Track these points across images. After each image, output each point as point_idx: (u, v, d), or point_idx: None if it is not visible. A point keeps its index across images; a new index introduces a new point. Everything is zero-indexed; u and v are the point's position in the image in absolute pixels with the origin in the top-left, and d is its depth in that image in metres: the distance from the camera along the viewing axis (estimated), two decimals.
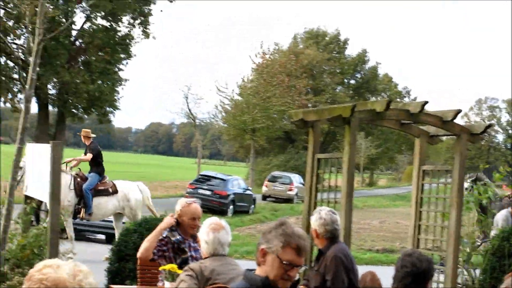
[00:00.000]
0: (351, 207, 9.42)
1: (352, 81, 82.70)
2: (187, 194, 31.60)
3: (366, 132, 73.14)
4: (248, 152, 63.52)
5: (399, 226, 33.61)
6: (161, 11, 42.99)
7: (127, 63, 42.87)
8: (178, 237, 7.81)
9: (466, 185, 19.44)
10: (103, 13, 39.42)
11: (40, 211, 18.80)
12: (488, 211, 13.35)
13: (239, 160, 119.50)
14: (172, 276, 6.94)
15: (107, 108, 41.98)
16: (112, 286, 8.56)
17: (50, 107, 42.72)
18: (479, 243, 13.06)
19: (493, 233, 13.21)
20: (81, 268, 2.93)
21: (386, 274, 9.73)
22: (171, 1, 41.39)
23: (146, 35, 41.80)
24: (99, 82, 39.59)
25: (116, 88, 42.21)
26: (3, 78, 38.42)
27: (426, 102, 9.75)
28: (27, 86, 8.96)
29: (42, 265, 2.92)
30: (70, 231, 17.10)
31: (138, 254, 7.76)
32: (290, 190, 48.25)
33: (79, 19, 41.31)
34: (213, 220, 6.74)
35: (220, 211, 32.57)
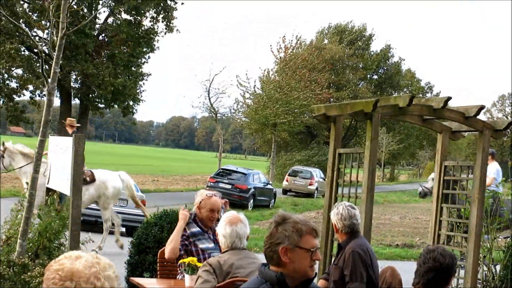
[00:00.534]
0: (372, 202, 9.40)
1: (375, 77, 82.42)
2: (207, 188, 31.66)
3: (388, 127, 72.96)
4: (269, 146, 63.46)
5: (419, 222, 33.53)
6: (182, 3, 42.76)
7: (149, 57, 43.04)
8: (194, 229, 7.81)
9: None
10: (126, 8, 39.56)
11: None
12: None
13: (260, 154, 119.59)
14: (192, 269, 6.95)
15: (130, 102, 42.16)
16: (132, 278, 8.58)
17: (72, 101, 43.01)
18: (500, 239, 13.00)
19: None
20: (100, 260, 2.92)
21: (405, 269, 9.74)
22: None
23: (170, 29, 41.90)
24: (123, 75, 39.76)
25: (139, 82, 42.40)
26: (26, 72, 38.70)
27: (449, 98, 9.70)
28: (49, 80, 8.99)
29: (62, 256, 2.92)
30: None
31: (166, 256, 7.71)
32: (311, 184, 48.22)
33: (102, 13, 41.58)
34: (230, 213, 6.72)
35: (240, 205, 32.60)
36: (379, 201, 45.23)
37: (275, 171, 59.73)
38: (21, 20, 33.79)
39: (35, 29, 37.38)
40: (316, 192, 47.82)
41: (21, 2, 37.22)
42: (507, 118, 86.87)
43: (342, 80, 73.88)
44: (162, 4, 40.79)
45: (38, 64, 38.08)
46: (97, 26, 40.77)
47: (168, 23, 41.75)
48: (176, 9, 41.83)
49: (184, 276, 7.23)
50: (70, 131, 18.32)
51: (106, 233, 17.38)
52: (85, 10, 38.11)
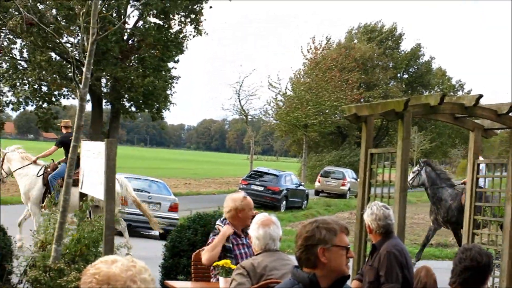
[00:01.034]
0: (405, 202, 9.36)
1: (405, 76, 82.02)
2: (240, 190, 31.71)
3: (419, 126, 72.53)
4: (300, 147, 63.39)
5: None
6: (211, 7, 43.05)
7: (178, 60, 43.17)
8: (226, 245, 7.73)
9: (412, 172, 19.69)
10: (155, 12, 39.72)
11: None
12: None
13: (291, 155, 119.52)
14: (226, 272, 6.95)
15: (160, 105, 42.30)
16: (166, 281, 8.62)
17: (103, 105, 43.27)
18: None
19: None
20: (136, 264, 2.94)
21: (440, 269, 9.69)
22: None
23: (198, 32, 42.01)
24: (152, 78, 39.94)
25: (169, 85, 42.55)
26: (58, 77, 39.02)
27: (481, 96, 9.64)
28: (81, 85, 9.06)
29: (99, 260, 2.95)
30: (35, 221, 16.57)
31: (204, 262, 7.65)
32: (343, 185, 48.13)
33: (131, 17, 41.79)
34: (262, 216, 6.71)
35: (272, 207, 32.61)
36: (412, 201, 44.98)
37: (306, 172, 59.66)
38: (51, 27, 34.08)
39: (64, 35, 37.68)
40: (348, 192, 47.72)
41: (52, 11, 37.55)
42: None
43: (372, 79, 73.61)
44: (190, 7, 40.92)
45: (69, 71, 38.40)
46: (127, 30, 41.01)
47: (197, 26, 41.87)
48: (203, 14, 41.96)
49: (218, 278, 7.22)
50: (64, 131, 18.25)
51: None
52: (114, 15, 38.36)
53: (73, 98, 41.97)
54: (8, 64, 39.43)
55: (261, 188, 34.31)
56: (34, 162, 17.66)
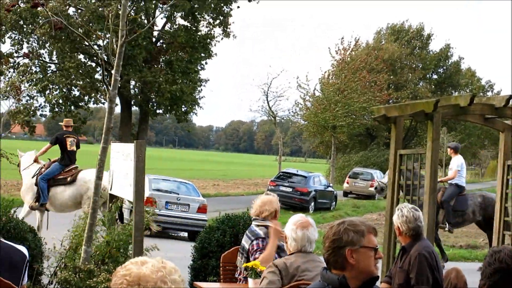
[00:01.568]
0: (434, 204, 9.32)
1: (435, 76, 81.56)
2: (268, 192, 31.70)
3: (449, 126, 72.11)
4: (328, 148, 63.26)
5: None
6: (238, 7, 43.01)
7: (206, 62, 43.23)
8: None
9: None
10: (183, 13, 39.81)
11: (123, 210, 18.79)
12: None
13: (320, 157, 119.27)
14: (255, 273, 6.95)
15: (189, 107, 42.34)
16: (195, 283, 8.64)
17: (132, 107, 43.44)
18: None
19: None
20: (166, 264, 2.96)
21: (470, 270, 9.62)
22: (249, 1, 41.55)
23: (226, 34, 42.03)
24: (181, 81, 40.01)
25: (198, 88, 42.59)
26: (88, 80, 39.25)
27: (511, 96, 9.56)
28: (110, 87, 9.11)
29: (129, 262, 2.97)
30: (37, 221, 16.70)
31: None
32: (372, 186, 47.94)
33: (159, 20, 41.91)
34: (299, 217, 6.68)
35: (301, 208, 32.54)
36: None
37: (335, 173, 59.51)
38: (80, 31, 34.26)
39: (93, 38, 37.91)
40: (377, 194, 47.49)
41: (79, 11, 37.76)
42: None
43: (401, 80, 73.29)
44: (218, 9, 40.93)
45: (99, 74, 38.66)
46: (155, 33, 41.13)
47: (225, 28, 41.88)
48: (231, 16, 41.92)
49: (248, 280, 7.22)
50: (64, 130, 18.25)
51: None
52: (143, 17, 38.50)
53: (103, 103, 42.19)
54: (37, 67, 39.68)
55: (290, 190, 34.29)
56: (36, 161, 17.82)
